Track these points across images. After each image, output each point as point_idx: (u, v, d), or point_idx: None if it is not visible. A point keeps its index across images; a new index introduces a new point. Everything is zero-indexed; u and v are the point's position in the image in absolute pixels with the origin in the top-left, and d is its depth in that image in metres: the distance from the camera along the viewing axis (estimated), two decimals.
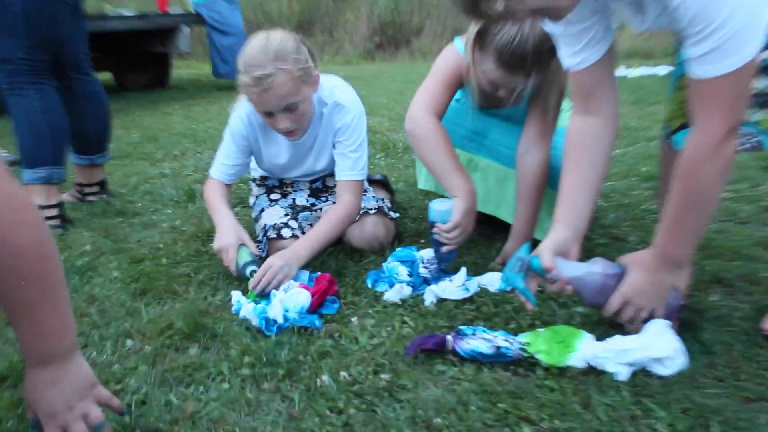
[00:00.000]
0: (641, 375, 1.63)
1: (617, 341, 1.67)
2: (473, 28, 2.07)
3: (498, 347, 1.69)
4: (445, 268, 2.19)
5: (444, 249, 2.14)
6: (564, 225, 1.76)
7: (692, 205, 1.54)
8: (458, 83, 2.24)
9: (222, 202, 2.39)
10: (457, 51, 2.21)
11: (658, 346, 1.63)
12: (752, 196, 2.94)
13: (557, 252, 1.71)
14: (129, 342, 1.87)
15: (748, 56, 1.35)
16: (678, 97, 1.72)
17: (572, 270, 1.71)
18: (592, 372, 1.65)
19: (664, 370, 1.63)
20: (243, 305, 1.97)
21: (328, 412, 1.53)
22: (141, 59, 7.90)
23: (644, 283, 1.64)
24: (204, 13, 7.31)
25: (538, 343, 1.70)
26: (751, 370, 1.65)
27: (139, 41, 7.53)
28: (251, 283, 2.05)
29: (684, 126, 1.73)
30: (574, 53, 1.72)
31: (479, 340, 1.71)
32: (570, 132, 1.82)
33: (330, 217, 2.34)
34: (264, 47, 2.12)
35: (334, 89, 2.40)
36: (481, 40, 2.06)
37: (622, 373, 1.62)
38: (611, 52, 1.73)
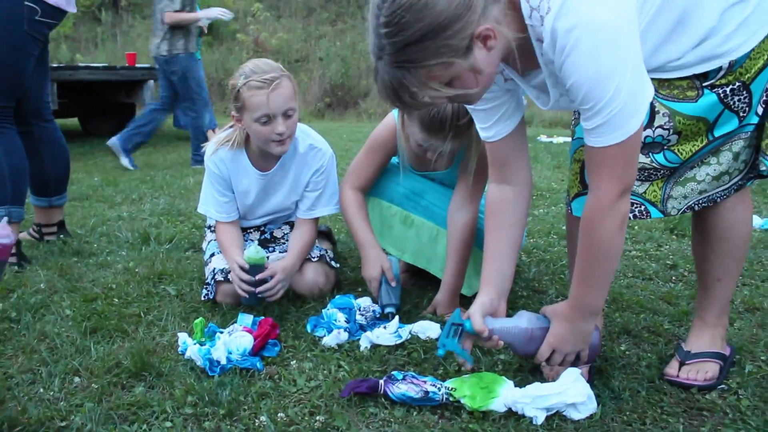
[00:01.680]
0: (557, 419, 1.62)
1: (535, 387, 1.66)
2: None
3: (426, 392, 1.67)
4: (385, 309, 2.23)
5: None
6: (490, 286, 1.76)
7: (596, 258, 1.55)
8: (389, 151, 2.35)
9: (230, 238, 2.42)
10: (393, 117, 2.27)
11: (572, 392, 1.63)
12: (657, 255, 3.01)
13: (486, 312, 1.71)
14: (77, 379, 1.79)
15: (633, 128, 1.39)
16: (574, 168, 1.76)
17: (501, 326, 1.70)
18: (512, 416, 1.64)
19: (577, 415, 1.63)
20: (189, 346, 1.91)
21: None
22: (107, 108, 7.79)
23: (566, 332, 1.64)
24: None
25: (463, 389, 1.68)
26: (656, 415, 1.66)
27: (106, 91, 7.43)
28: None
29: (579, 194, 1.76)
30: (488, 127, 1.74)
31: (409, 385, 1.69)
32: (489, 199, 1.83)
33: (305, 238, 2.43)
34: (264, 61, 2.22)
35: (307, 133, 2.44)
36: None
37: (539, 417, 1.61)
38: (522, 124, 1.76)
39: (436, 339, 2.04)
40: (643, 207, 1.67)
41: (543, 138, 7.64)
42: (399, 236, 2.45)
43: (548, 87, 1.53)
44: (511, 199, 1.80)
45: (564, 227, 3.45)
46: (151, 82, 7.41)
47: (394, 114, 2.27)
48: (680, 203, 1.71)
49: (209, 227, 2.65)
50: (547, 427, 1.60)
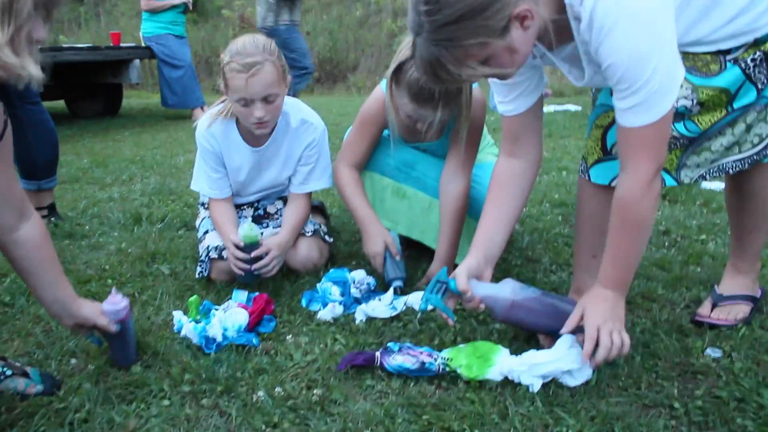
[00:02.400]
0: (553, 386, 1.64)
1: (531, 355, 1.68)
2: (391, 66, 2.11)
3: (422, 362, 1.68)
4: (393, 282, 2.20)
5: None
6: (478, 250, 1.78)
7: (633, 237, 1.58)
8: (380, 124, 2.32)
9: (224, 216, 2.40)
10: (381, 89, 2.26)
11: (568, 359, 1.64)
12: None
13: (471, 275, 1.72)
14: (73, 361, 1.79)
15: (667, 108, 1.43)
16: (595, 134, 1.78)
17: (485, 290, 1.72)
18: (509, 384, 1.65)
19: (573, 381, 1.64)
20: (184, 324, 1.91)
21: (263, 427, 1.49)
22: (93, 89, 7.70)
23: (607, 312, 1.61)
24: (154, 47, 7.18)
25: (459, 358, 1.69)
26: (650, 380, 1.68)
27: (91, 72, 7.34)
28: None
29: (599, 160, 1.79)
30: (506, 101, 1.76)
31: (405, 356, 1.69)
32: (496, 170, 1.85)
33: (299, 213, 2.42)
34: (253, 41, 2.15)
35: (299, 107, 2.41)
36: (396, 76, 2.10)
37: (535, 385, 1.62)
38: (540, 101, 1.78)
39: (432, 309, 2.03)
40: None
41: None
42: (391, 208, 2.44)
43: (583, 64, 1.54)
44: (518, 174, 1.83)
45: (556, 196, 3.47)
46: (137, 61, 7.33)
47: (382, 86, 2.25)
48: (693, 171, 1.74)
49: (202, 204, 2.63)
50: (544, 395, 1.61)
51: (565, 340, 1.68)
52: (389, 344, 1.77)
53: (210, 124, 2.36)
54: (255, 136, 2.34)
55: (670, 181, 1.72)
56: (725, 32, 1.54)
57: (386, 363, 1.69)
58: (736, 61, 1.57)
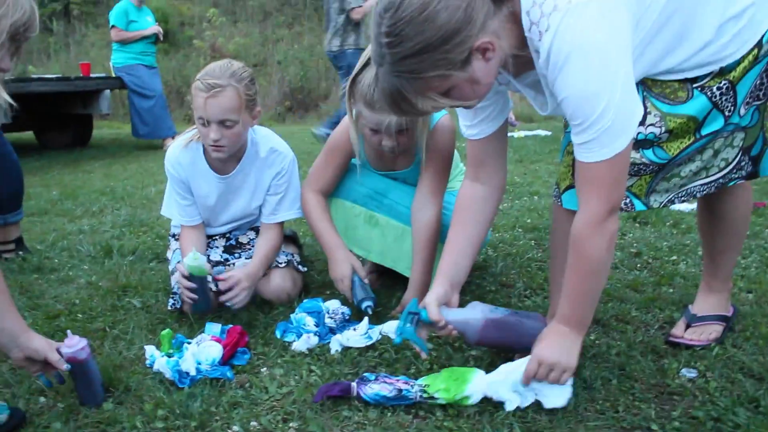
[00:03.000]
0: (531, 412, 1.63)
1: (508, 365, 1.69)
2: (345, 85, 2.13)
3: (399, 390, 1.67)
4: (362, 303, 2.18)
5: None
6: (445, 277, 1.79)
7: (584, 274, 1.58)
8: (347, 152, 2.34)
9: (191, 243, 2.35)
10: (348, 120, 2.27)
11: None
12: (621, 243, 3.04)
13: (440, 302, 1.73)
14: (42, 399, 1.74)
15: (620, 147, 1.43)
16: (566, 160, 1.79)
17: (455, 315, 1.73)
18: (487, 410, 1.64)
19: (552, 401, 1.63)
20: (156, 359, 1.87)
21: None
22: (63, 119, 7.63)
23: (553, 345, 1.63)
24: (125, 77, 7.17)
25: (436, 384, 1.68)
26: (628, 402, 1.69)
27: (61, 103, 7.28)
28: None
29: (570, 186, 1.80)
30: (471, 125, 1.77)
31: (381, 385, 1.68)
32: (460, 195, 1.86)
33: (270, 243, 2.40)
34: (225, 65, 2.18)
35: (269, 137, 2.42)
36: (351, 91, 2.12)
37: (513, 401, 1.62)
38: (504, 126, 1.79)
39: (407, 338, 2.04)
40: (628, 200, 1.70)
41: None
42: (364, 236, 2.43)
43: (546, 95, 1.56)
44: (482, 198, 1.84)
45: (528, 221, 3.49)
46: (107, 91, 7.29)
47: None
48: (662, 196, 1.75)
49: (173, 236, 2.61)
50: (522, 419, 1.61)
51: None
52: (365, 374, 1.75)
53: (174, 151, 2.36)
54: (222, 164, 2.34)
55: (639, 206, 1.73)
56: (692, 63, 1.57)
57: (363, 392, 1.68)
58: (702, 89, 1.59)
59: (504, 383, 1.64)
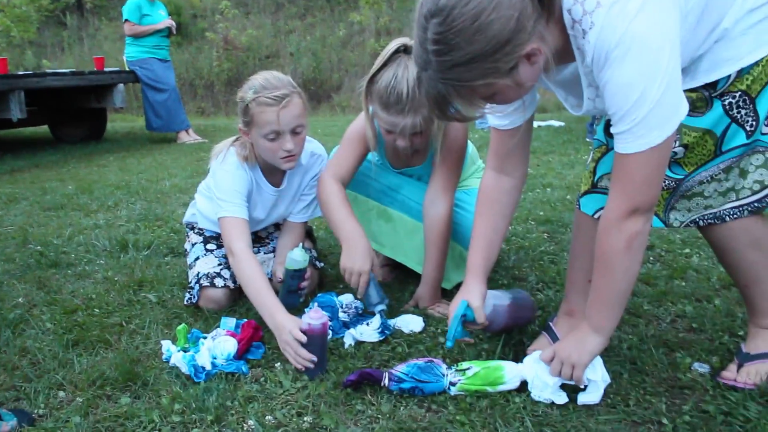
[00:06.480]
0: (543, 406, 1.65)
1: (529, 358, 1.76)
2: (364, 81, 2.11)
3: (431, 360, 1.76)
4: (376, 307, 2.09)
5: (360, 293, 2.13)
6: (480, 274, 1.82)
7: (602, 273, 1.56)
8: (366, 144, 2.27)
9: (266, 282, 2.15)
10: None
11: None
12: None
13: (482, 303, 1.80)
14: (61, 393, 1.78)
15: (654, 141, 1.38)
16: (590, 165, 1.79)
17: (486, 310, 1.82)
18: (498, 404, 1.66)
19: (585, 397, 1.67)
20: (173, 353, 1.91)
21: None
22: (77, 113, 7.69)
23: (570, 340, 1.67)
24: (138, 71, 7.20)
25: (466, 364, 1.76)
26: (638, 396, 1.70)
27: (75, 97, 7.33)
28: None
29: (588, 192, 1.81)
30: (503, 116, 1.74)
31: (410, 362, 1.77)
32: (484, 186, 1.86)
33: (295, 241, 2.37)
34: (275, 76, 2.17)
35: (307, 141, 2.37)
36: (368, 89, 2.10)
37: (558, 395, 1.69)
38: (531, 118, 1.78)
39: (420, 332, 2.10)
40: None
41: None
42: (377, 231, 2.45)
43: (582, 87, 1.52)
44: (507, 190, 1.84)
45: (541, 213, 3.50)
46: (121, 85, 7.34)
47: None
48: (684, 216, 1.72)
49: (191, 227, 2.61)
50: (533, 413, 1.62)
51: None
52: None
53: (239, 170, 2.27)
54: (271, 175, 2.34)
55: (656, 222, 1.71)
56: (708, 60, 1.51)
57: (394, 373, 1.73)
58: (721, 96, 1.53)
59: (544, 373, 1.68)
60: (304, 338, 1.84)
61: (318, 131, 7.28)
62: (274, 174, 2.35)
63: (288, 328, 1.88)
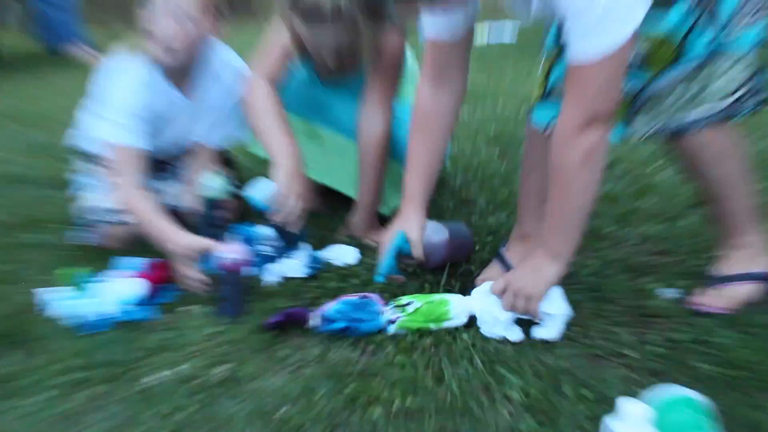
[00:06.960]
0: (494, 341, 1.65)
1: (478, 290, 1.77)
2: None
3: (365, 295, 1.75)
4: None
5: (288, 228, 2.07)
6: (419, 202, 1.84)
7: (557, 193, 1.58)
8: (290, 52, 2.17)
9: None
10: None
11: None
12: None
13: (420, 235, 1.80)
14: None
15: (610, 42, 1.37)
16: (542, 73, 1.78)
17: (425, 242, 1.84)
18: (444, 342, 1.66)
19: (542, 331, 1.68)
20: (68, 301, 1.84)
21: (167, 411, 1.46)
22: None
23: (523, 268, 1.68)
24: None
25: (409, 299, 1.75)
26: (601, 327, 1.71)
27: None
28: None
29: (540, 97, 1.80)
30: (440, 26, 1.72)
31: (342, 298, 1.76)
32: (420, 103, 1.85)
33: None
34: None
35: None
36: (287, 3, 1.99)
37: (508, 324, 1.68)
38: (472, 30, 1.76)
39: (355, 264, 2.10)
40: None
41: None
42: (304, 152, 2.38)
43: None
44: (444, 105, 1.83)
45: (491, 131, 3.49)
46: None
47: None
48: (647, 125, 1.72)
49: (81, 155, 2.47)
50: (483, 350, 1.62)
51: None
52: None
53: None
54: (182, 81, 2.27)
55: (615, 138, 1.69)
56: None
57: (322, 313, 1.71)
58: None
59: (496, 303, 1.68)
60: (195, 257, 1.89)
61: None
62: (181, 78, 2.25)
63: (183, 243, 1.93)
